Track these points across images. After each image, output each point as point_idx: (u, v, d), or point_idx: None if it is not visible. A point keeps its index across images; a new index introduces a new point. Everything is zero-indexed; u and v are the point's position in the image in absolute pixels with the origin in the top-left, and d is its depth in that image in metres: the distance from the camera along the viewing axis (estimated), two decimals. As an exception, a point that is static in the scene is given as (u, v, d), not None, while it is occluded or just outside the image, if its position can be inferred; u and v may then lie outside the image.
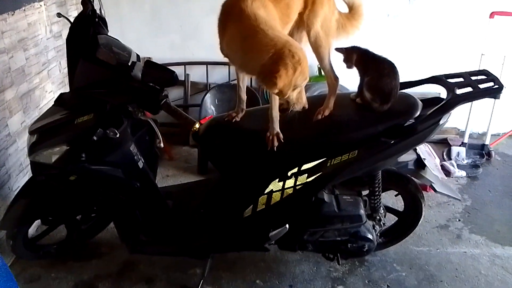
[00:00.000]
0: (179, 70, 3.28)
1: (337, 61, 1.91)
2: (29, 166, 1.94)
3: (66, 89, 2.87)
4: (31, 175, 2.00)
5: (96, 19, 1.83)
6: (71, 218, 2.19)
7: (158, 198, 2.07)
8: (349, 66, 1.90)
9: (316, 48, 1.82)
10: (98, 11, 1.88)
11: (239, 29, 1.54)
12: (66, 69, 2.63)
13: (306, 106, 1.67)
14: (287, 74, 1.43)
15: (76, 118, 1.79)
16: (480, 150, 3.41)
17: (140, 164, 1.97)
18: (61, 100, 1.92)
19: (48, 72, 2.73)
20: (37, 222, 2.32)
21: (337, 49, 1.90)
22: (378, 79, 1.82)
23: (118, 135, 1.79)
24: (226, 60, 1.74)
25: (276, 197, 1.84)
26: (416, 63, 3.29)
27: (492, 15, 3.18)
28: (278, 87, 1.44)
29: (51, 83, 2.77)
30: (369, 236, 2.01)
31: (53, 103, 1.97)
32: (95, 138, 1.78)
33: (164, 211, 2.09)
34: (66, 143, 1.78)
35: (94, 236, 2.36)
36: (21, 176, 2.41)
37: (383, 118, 1.82)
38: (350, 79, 2.01)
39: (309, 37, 1.81)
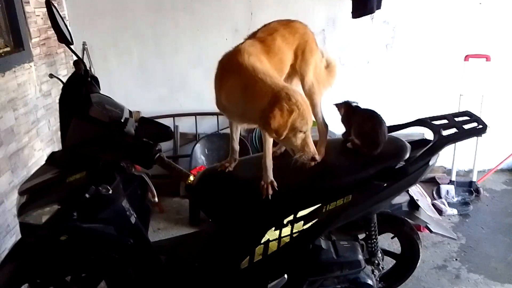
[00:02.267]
0: (168, 122, 3.33)
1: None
2: (17, 227, 1.88)
3: (55, 146, 2.87)
4: (19, 236, 1.93)
5: (89, 79, 1.86)
6: (60, 279, 2.10)
7: (151, 254, 2.01)
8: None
9: (310, 96, 1.86)
10: (89, 70, 1.92)
11: (239, 80, 1.59)
12: (55, 126, 2.64)
13: (317, 157, 1.66)
14: (282, 115, 1.47)
15: (68, 177, 1.76)
16: (468, 187, 3.47)
17: (133, 219, 1.93)
18: (52, 159, 1.91)
19: (37, 130, 2.73)
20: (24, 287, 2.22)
21: None
22: (362, 124, 1.88)
23: (110, 192, 1.77)
24: (215, 110, 1.76)
25: (273, 246, 1.81)
26: (397, 106, 3.41)
27: (466, 57, 3.35)
28: (272, 127, 1.47)
29: (40, 141, 2.76)
30: (369, 282, 1.97)
31: (42, 161, 1.95)
32: (87, 195, 1.76)
33: (157, 267, 2.02)
34: (57, 203, 1.74)
35: (85, 297, 2.25)
36: (8, 238, 2.34)
37: (373, 161, 1.85)
38: (338, 125, 2.06)
39: (303, 85, 1.87)
